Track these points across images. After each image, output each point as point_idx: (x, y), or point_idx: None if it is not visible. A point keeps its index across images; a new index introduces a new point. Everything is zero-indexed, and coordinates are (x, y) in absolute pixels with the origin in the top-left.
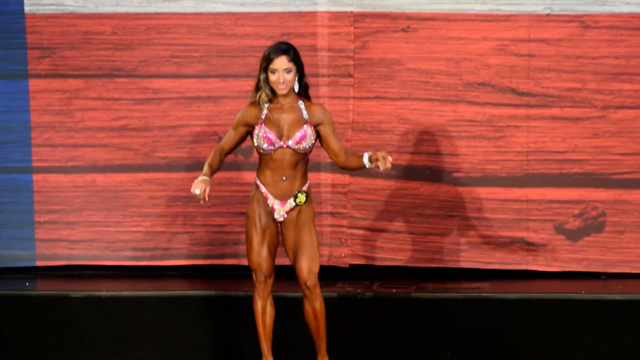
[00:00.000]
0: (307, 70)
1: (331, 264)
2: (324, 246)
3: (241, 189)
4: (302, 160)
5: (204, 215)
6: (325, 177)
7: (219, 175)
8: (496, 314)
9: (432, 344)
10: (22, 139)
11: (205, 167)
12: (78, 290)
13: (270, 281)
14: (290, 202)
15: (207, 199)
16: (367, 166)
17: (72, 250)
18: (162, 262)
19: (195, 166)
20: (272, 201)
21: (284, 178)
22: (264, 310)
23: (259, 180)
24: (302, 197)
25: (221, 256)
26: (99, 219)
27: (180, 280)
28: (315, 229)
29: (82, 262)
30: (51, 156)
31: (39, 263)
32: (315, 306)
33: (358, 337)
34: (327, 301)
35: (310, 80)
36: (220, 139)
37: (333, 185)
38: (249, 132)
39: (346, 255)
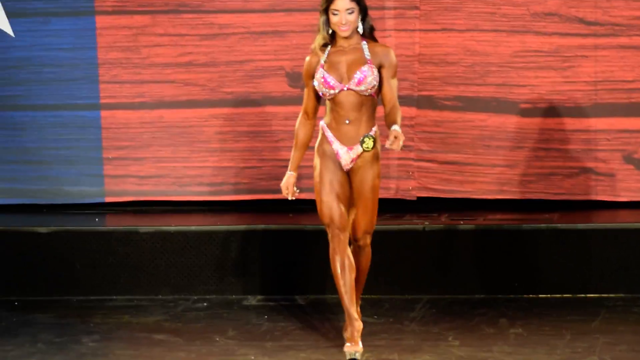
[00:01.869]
0: (373, 3)
1: (398, 196)
2: (391, 179)
3: None
4: (368, 103)
5: (270, 149)
6: None
7: (284, 109)
8: (565, 244)
9: (500, 275)
10: (89, 76)
11: (291, 160)
12: (147, 225)
13: (345, 235)
14: (357, 148)
15: (294, 196)
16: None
17: (140, 186)
18: (229, 196)
19: (261, 101)
20: (338, 147)
21: (347, 122)
22: (343, 266)
23: (325, 124)
24: (369, 142)
25: None
26: (166, 154)
27: (248, 214)
28: (378, 184)
29: (150, 198)
30: (118, 93)
31: (108, 199)
32: (360, 261)
33: (426, 270)
34: (395, 234)
35: (376, 14)
36: (287, 74)
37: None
38: None
39: (413, 188)
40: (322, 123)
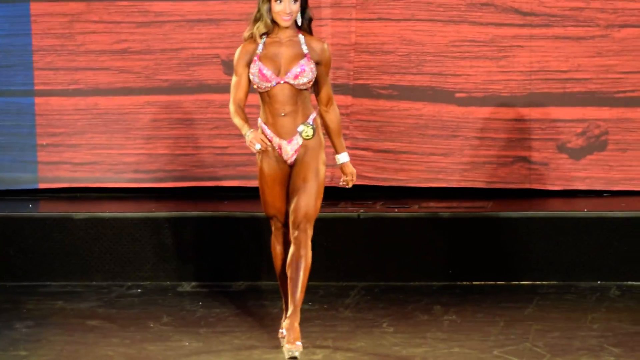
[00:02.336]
0: None
1: (333, 184)
2: (327, 167)
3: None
4: (303, 95)
5: (205, 137)
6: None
7: (220, 97)
8: (499, 232)
9: (435, 262)
10: (24, 63)
11: (241, 123)
12: (81, 212)
13: (286, 228)
14: (297, 139)
15: (268, 143)
16: (338, 163)
17: (75, 172)
18: (164, 184)
19: (196, 89)
20: (278, 142)
21: (283, 114)
22: (283, 256)
23: (261, 121)
24: (307, 130)
25: (223, 178)
26: (101, 141)
27: (183, 201)
28: (323, 174)
29: (84, 185)
30: (53, 79)
31: (42, 185)
32: (301, 255)
33: (361, 257)
34: (330, 221)
35: (312, 2)
36: (222, 62)
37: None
38: None
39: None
40: (259, 121)
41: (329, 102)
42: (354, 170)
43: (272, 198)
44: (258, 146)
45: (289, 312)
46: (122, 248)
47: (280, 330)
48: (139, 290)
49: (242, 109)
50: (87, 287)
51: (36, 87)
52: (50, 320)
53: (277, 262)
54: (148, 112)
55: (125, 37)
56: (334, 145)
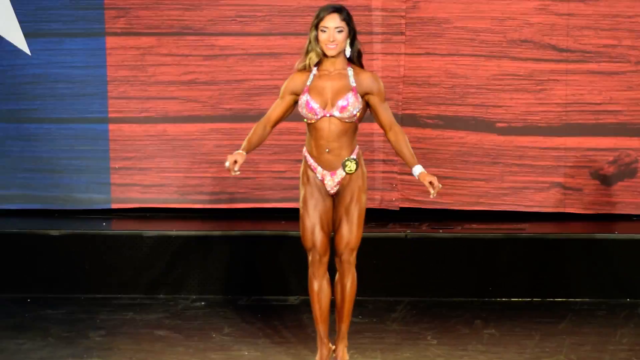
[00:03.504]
0: (362, 28)
1: (383, 207)
2: (376, 190)
3: (300, 138)
4: (349, 131)
5: (265, 162)
6: (378, 127)
7: (279, 125)
8: (535, 252)
9: (476, 279)
10: (99, 92)
11: (244, 142)
12: (150, 230)
13: (325, 259)
14: (340, 172)
15: (237, 171)
16: (415, 176)
17: (145, 194)
18: (227, 205)
19: (257, 117)
20: (321, 172)
21: (327, 150)
22: (320, 290)
23: (307, 151)
24: (351, 165)
25: (282, 200)
26: (169, 165)
27: (244, 221)
28: (364, 202)
29: (153, 205)
30: (126, 108)
31: (114, 205)
32: (345, 283)
33: (407, 274)
34: (379, 241)
35: (365, 38)
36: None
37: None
38: (297, 102)
39: (396, 199)
40: (304, 151)
41: (391, 127)
42: (434, 177)
43: (311, 227)
44: (227, 163)
45: (336, 338)
46: (187, 264)
47: None
48: (203, 303)
49: (263, 129)
50: (155, 299)
51: (110, 115)
52: (121, 330)
53: (314, 298)
54: (213, 138)
55: (192, 69)
56: (407, 163)
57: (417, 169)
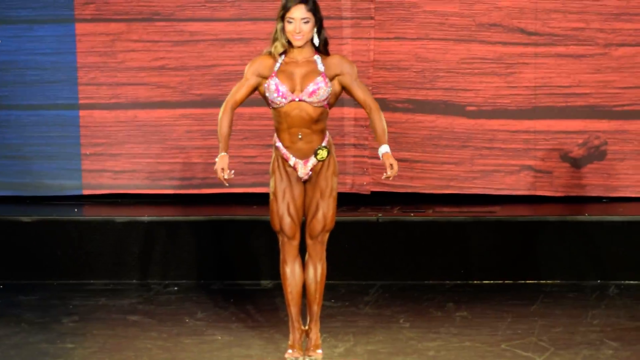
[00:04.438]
0: (331, 13)
1: (354, 191)
2: (347, 175)
3: (270, 123)
4: (319, 118)
5: (236, 147)
6: (348, 112)
7: (249, 110)
8: (506, 234)
9: (448, 262)
10: (69, 79)
11: (220, 142)
12: (122, 215)
13: (295, 242)
14: (313, 160)
15: (230, 176)
16: (379, 155)
17: (116, 180)
18: (198, 190)
19: None
20: (294, 161)
21: (300, 137)
22: (292, 273)
23: (278, 139)
24: (322, 153)
25: (253, 185)
26: (140, 151)
27: (215, 206)
28: (336, 182)
29: (125, 191)
30: (96, 94)
31: (85, 192)
32: (316, 265)
33: (379, 258)
34: (351, 225)
35: (334, 23)
36: None
37: (355, 119)
38: (258, 87)
39: (367, 183)
40: (275, 139)
41: (365, 103)
42: (395, 162)
43: (280, 211)
44: (221, 175)
45: (309, 321)
46: (160, 249)
47: (289, 351)
48: (176, 288)
49: (232, 112)
50: (127, 285)
51: (80, 101)
52: (94, 316)
53: (285, 281)
54: (183, 124)
55: (162, 55)
56: (376, 140)
57: (383, 149)
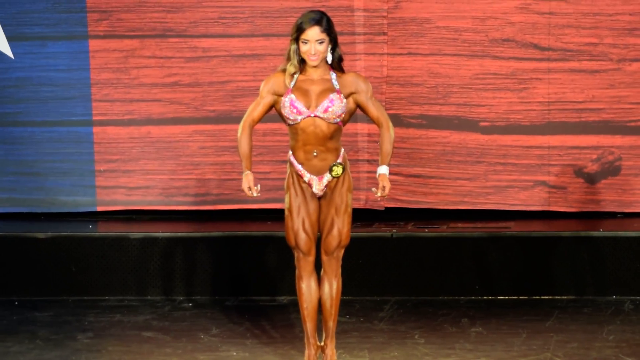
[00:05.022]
0: (344, 29)
1: (368, 207)
2: (361, 191)
3: (284, 139)
4: (333, 135)
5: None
6: (362, 128)
7: (263, 126)
8: (521, 250)
9: (462, 278)
10: (83, 95)
11: (243, 161)
12: (136, 232)
13: (310, 258)
14: (327, 176)
15: (258, 193)
16: (376, 174)
17: (130, 196)
18: (212, 206)
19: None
20: (308, 177)
21: (315, 154)
22: (308, 289)
23: (292, 156)
24: (338, 170)
25: (267, 201)
26: (154, 167)
27: (229, 222)
28: (351, 198)
29: (138, 207)
30: (110, 110)
31: (99, 208)
32: (332, 281)
33: (394, 273)
34: (365, 241)
35: (347, 39)
36: None
37: (369, 135)
38: (274, 105)
39: (382, 198)
40: (290, 156)
41: (379, 122)
42: (389, 184)
43: (295, 227)
44: (251, 193)
45: (324, 337)
46: (174, 265)
47: None
48: (190, 304)
49: (251, 130)
50: (142, 301)
51: (94, 118)
52: (109, 332)
53: (301, 297)
54: (196, 140)
55: (175, 71)
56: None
57: (382, 169)
